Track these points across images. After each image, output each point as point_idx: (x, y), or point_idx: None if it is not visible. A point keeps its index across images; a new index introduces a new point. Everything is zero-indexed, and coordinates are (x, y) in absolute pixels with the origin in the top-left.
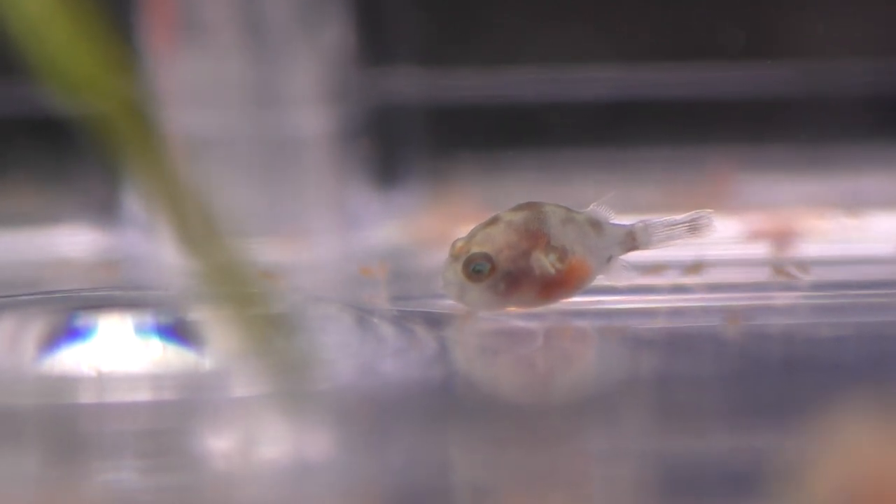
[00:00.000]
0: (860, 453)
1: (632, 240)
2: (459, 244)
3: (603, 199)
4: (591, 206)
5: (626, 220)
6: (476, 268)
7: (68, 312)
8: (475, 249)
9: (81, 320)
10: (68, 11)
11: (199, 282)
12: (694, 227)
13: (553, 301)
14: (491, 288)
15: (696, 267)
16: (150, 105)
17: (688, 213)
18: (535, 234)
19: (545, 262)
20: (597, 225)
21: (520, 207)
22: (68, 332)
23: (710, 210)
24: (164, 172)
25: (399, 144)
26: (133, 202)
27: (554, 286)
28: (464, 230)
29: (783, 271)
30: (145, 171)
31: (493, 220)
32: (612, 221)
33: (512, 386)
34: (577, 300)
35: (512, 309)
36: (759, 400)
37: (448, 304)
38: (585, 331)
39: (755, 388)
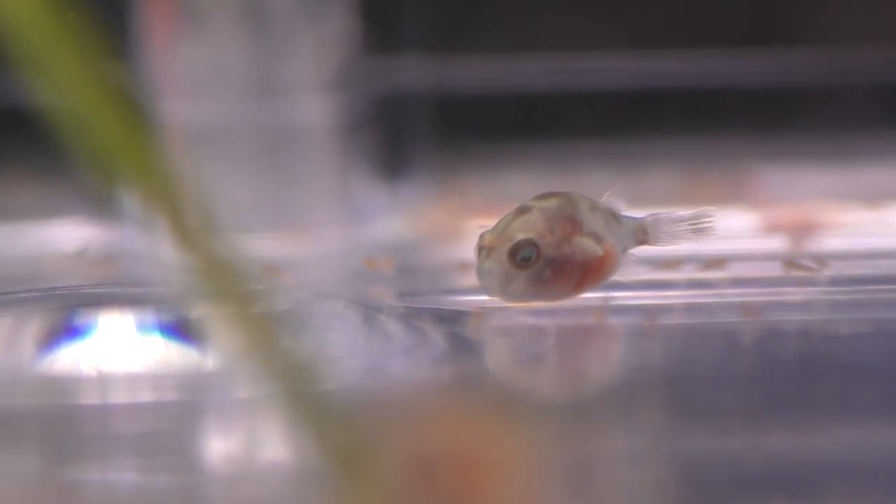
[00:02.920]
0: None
1: (643, 233)
2: (489, 236)
3: (614, 189)
4: (603, 197)
5: (635, 213)
6: (524, 255)
7: (67, 310)
8: (520, 236)
9: (81, 318)
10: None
11: (198, 279)
12: (697, 226)
13: (582, 292)
14: (536, 275)
15: (712, 262)
16: (139, 95)
17: (691, 211)
18: (570, 219)
19: (592, 245)
20: (615, 215)
21: (545, 196)
22: (67, 331)
23: (712, 209)
24: (155, 166)
25: (406, 135)
26: (130, 195)
27: (589, 274)
28: (472, 223)
29: (800, 266)
30: (135, 166)
31: (524, 209)
32: (623, 213)
33: (525, 385)
34: (588, 296)
35: (534, 303)
36: (775, 398)
37: (457, 300)
38: (599, 328)
39: (771, 386)
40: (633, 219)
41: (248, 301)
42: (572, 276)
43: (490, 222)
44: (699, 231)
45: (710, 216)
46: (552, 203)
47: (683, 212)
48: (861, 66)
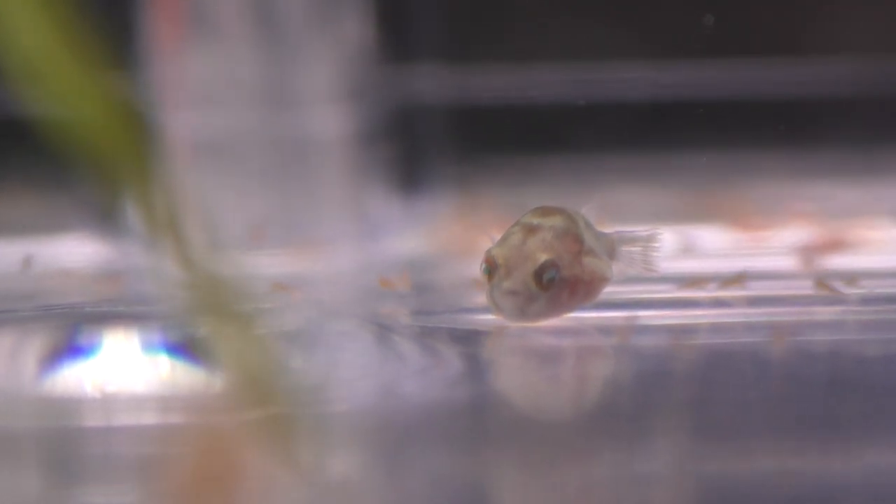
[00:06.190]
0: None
1: (612, 249)
2: (499, 252)
3: (591, 204)
4: (582, 211)
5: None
6: (550, 276)
7: (70, 328)
8: (543, 257)
9: (84, 337)
10: (47, 9)
11: (199, 296)
12: (646, 248)
13: (575, 310)
14: (555, 296)
15: (737, 280)
16: (141, 108)
17: (644, 229)
18: (576, 238)
19: (601, 265)
20: (596, 231)
21: (544, 212)
22: (71, 350)
23: (660, 230)
24: (156, 181)
25: (422, 147)
26: (133, 211)
27: (591, 293)
28: (486, 239)
29: (829, 285)
30: (135, 181)
31: (533, 228)
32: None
33: (543, 406)
34: (611, 315)
35: (538, 323)
36: (802, 421)
37: (473, 319)
38: (619, 348)
39: (799, 408)
40: (606, 234)
41: (251, 320)
42: (579, 296)
43: (495, 235)
44: (648, 255)
45: (659, 240)
46: (558, 221)
47: (639, 231)
48: (891, 76)
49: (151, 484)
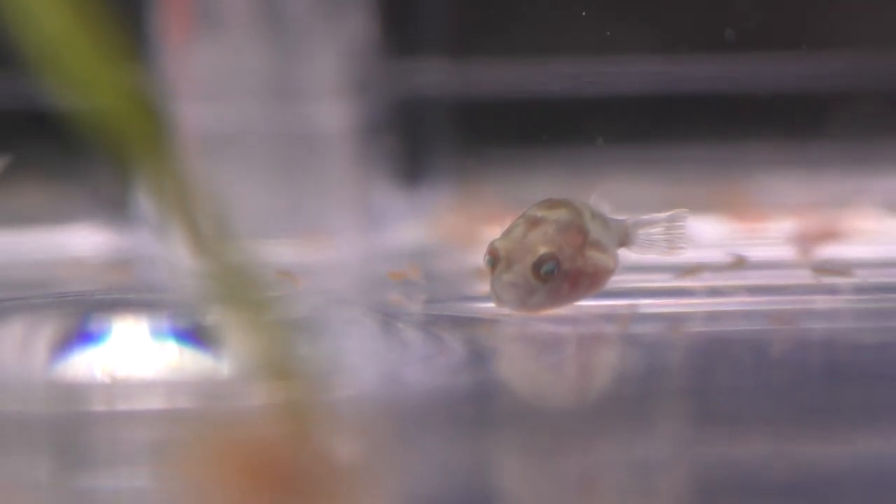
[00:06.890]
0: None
1: (625, 236)
2: (502, 244)
3: (599, 191)
4: (591, 200)
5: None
6: (548, 269)
7: (81, 315)
8: (543, 250)
9: (95, 323)
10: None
11: (213, 285)
12: (670, 229)
13: (578, 301)
14: (555, 289)
15: (733, 267)
16: (157, 99)
17: (666, 213)
18: (580, 230)
19: (604, 258)
20: (605, 220)
21: (550, 205)
22: (81, 336)
23: (685, 210)
24: (172, 171)
25: (426, 139)
26: (145, 200)
27: (595, 285)
28: (493, 230)
29: (824, 273)
30: (152, 170)
31: (537, 220)
32: (608, 216)
33: (544, 394)
34: (611, 303)
35: (543, 313)
36: (798, 408)
37: (476, 307)
38: (619, 336)
39: (796, 396)
40: (620, 222)
41: (263, 307)
42: (582, 287)
43: (499, 229)
44: (673, 236)
45: (684, 221)
46: (561, 213)
47: (659, 215)
48: (887, 70)
49: (160, 469)
